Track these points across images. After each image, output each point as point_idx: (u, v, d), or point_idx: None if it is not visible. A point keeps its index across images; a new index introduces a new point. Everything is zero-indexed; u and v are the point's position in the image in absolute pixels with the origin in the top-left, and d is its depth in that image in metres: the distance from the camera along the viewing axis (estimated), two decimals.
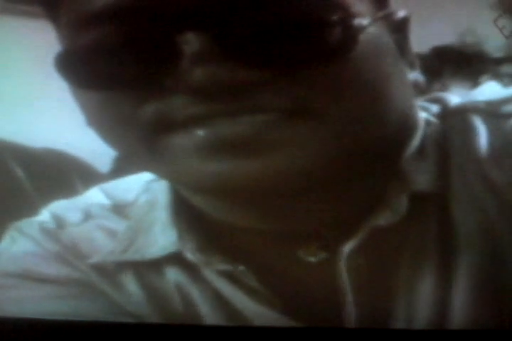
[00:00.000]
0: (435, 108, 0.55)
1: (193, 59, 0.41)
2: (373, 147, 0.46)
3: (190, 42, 0.41)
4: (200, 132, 0.42)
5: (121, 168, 1.34)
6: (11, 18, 1.54)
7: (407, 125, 0.50)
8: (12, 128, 1.20)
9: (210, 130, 0.42)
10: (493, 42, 1.48)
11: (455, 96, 0.57)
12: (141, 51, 0.42)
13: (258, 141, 0.42)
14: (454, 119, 0.53)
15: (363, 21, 0.44)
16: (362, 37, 0.44)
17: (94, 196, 0.62)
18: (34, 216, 0.64)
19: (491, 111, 0.53)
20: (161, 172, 0.48)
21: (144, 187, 0.60)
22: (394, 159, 0.50)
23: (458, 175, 0.50)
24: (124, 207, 0.59)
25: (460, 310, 0.49)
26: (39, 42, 1.48)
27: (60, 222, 0.59)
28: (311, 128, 0.42)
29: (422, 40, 0.55)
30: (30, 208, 1.15)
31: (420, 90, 0.53)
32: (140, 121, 0.44)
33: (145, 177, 0.60)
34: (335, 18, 0.42)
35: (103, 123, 0.47)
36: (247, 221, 0.50)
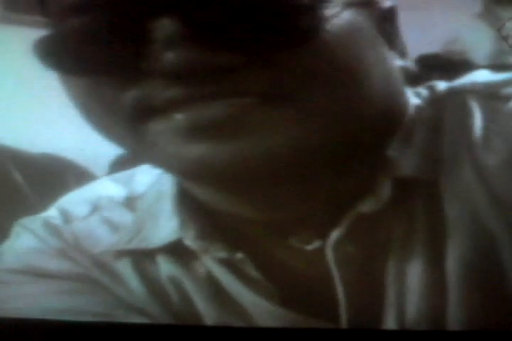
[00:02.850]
0: (426, 93, 0.54)
1: (165, 43, 0.41)
2: (354, 133, 0.46)
3: (163, 26, 0.41)
4: (179, 116, 0.42)
5: (118, 172, 1.35)
6: (11, 26, 1.55)
7: (393, 111, 0.50)
8: (10, 133, 1.21)
9: (188, 114, 0.42)
10: (479, 51, 1.50)
11: (443, 83, 0.55)
12: (118, 37, 0.42)
13: (234, 125, 0.41)
14: (448, 103, 0.52)
15: (334, 6, 0.43)
16: (335, 22, 0.43)
17: (106, 186, 0.61)
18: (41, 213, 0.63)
19: (490, 93, 0.52)
20: (151, 160, 0.48)
21: (155, 178, 0.58)
22: (380, 145, 0.49)
23: (448, 160, 0.49)
24: (134, 199, 0.58)
25: (452, 300, 0.48)
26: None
27: (66, 217, 0.59)
28: (286, 111, 0.42)
29: (409, 48, 0.54)
30: (28, 211, 1.16)
31: (411, 78, 0.52)
32: (122, 107, 0.44)
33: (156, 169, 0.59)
34: (308, 1, 0.42)
35: (89, 110, 0.46)
36: (237, 208, 0.50)
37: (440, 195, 0.49)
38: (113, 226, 0.57)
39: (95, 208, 0.58)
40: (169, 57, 0.41)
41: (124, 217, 0.57)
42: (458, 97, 0.52)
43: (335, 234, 0.49)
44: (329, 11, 0.43)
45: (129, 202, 0.58)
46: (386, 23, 0.49)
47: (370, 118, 0.47)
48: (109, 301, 0.55)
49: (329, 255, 0.49)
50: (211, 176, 0.44)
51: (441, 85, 0.54)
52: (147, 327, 0.54)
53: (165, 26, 0.41)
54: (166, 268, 0.54)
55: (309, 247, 0.50)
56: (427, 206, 0.49)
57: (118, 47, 0.43)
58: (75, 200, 0.61)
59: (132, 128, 0.44)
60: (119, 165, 1.32)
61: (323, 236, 0.49)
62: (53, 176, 1.18)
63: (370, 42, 0.47)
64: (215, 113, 0.41)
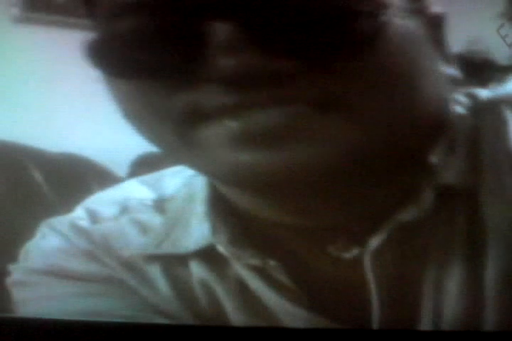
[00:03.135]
0: (467, 102, 0.53)
1: (223, 48, 0.40)
2: (404, 141, 0.45)
3: (221, 30, 0.40)
4: (232, 123, 0.41)
5: (138, 171, 1.36)
6: (26, 26, 1.56)
7: (439, 119, 0.49)
8: (30, 132, 1.22)
9: (242, 121, 0.41)
10: (502, 51, 1.49)
11: (487, 91, 0.55)
12: (171, 40, 0.42)
13: (288, 132, 0.41)
14: (487, 112, 0.51)
15: (395, 13, 0.43)
16: (394, 29, 0.42)
17: (134, 189, 0.60)
18: (64, 214, 0.62)
19: None
20: (193, 164, 0.47)
21: (184, 181, 0.57)
22: (424, 153, 0.49)
23: (489, 169, 0.49)
24: (164, 201, 0.57)
25: (490, 307, 0.47)
26: (55, 50, 1.50)
27: (94, 217, 0.58)
28: (341, 120, 0.42)
29: None
30: (48, 210, 1.17)
31: (457, 85, 0.51)
32: (172, 111, 0.43)
33: (188, 171, 0.56)
34: (367, 9, 0.41)
35: (136, 114, 0.46)
36: (278, 215, 0.50)
37: (480, 203, 0.48)
38: (142, 228, 0.56)
39: (124, 209, 0.58)
40: (227, 62, 0.40)
41: (154, 220, 0.56)
42: (496, 107, 0.51)
43: (374, 242, 0.48)
44: (388, 18, 0.42)
45: (158, 205, 0.57)
46: (435, 29, 0.49)
47: (419, 126, 0.46)
48: (135, 304, 0.54)
49: (367, 263, 0.48)
50: (259, 183, 0.44)
51: (482, 94, 0.53)
52: (163, 327, 0.53)
53: (224, 30, 0.40)
54: (197, 272, 0.53)
55: (347, 255, 0.50)
56: (467, 214, 0.49)
57: (171, 50, 0.42)
58: (102, 201, 0.60)
59: (180, 132, 0.43)
60: (139, 165, 1.32)
61: (362, 244, 0.48)
62: (73, 176, 1.19)
63: (423, 50, 0.46)
64: (269, 120, 0.41)
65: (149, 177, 0.61)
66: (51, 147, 1.19)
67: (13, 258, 0.59)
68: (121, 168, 1.25)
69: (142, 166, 1.26)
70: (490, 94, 0.53)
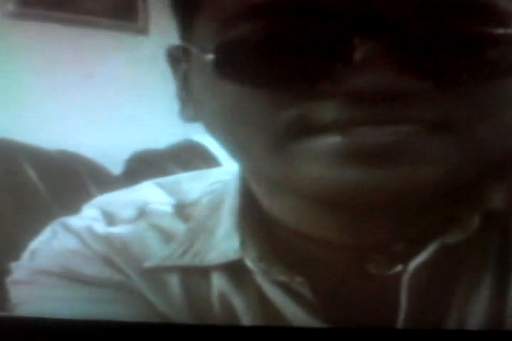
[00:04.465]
0: None
1: (363, 64, 0.40)
2: (497, 163, 0.47)
3: (366, 46, 0.40)
4: (339, 138, 0.41)
5: (133, 169, 1.35)
6: (22, 23, 1.55)
7: None
8: (25, 129, 1.21)
9: (350, 137, 0.41)
10: None
11: None
12: (306, 50, 0.41)
13: (399, 151, 0.41)
14: None
15: None
16: None
17: (152, 192, 0.59)
18: (67, 215, 0.60)
19: None
20: (278, 174, 0.45)
21: (208, 188, 0.56)
22: (482, 177, 0.49)
23: None
24: (185, 207, 0.56)
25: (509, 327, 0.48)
26: (50, 46, 1.49)
27: (110, 219, 0.56)
28: (454, 143, 0.42)
29: None
30: (43, 209, 1.16)
31: None
32: (277, 122, 0.43)
33: (208, 177, 0.57)
34: (509, 36, 0.42)
35: (231, 118, 0.45)
36: (324, 231, 0.49)
37: (511, 229, 0.49)
38: (163, 235, 0.54)
39: (142, 213, 0.56)
40: (363, 79, 0.40)
41: (175, 226, 0.54)
42: None
43: (415, 263, 0.48)
44: None
45: (179, 210, 0.55)
46: None
47: (506, 153, 0.47)
48: (144, 312, 0.53)
49: (404, 282, 0.48)
50: (351, 200, 0.43)
51: None
52: (164, 326, 0.53)
53: (364, 47, 0.40)
54: (217, 284, 0.52)
55: (386, 273, 0.50)
56: (502, 238, 0.49)
57: (300, 60, 0.41)
58: (118, 203, 0.58)
59: (277, 144, 0.43)
60: (134, 163, 1.32)
61: (403, 263, 0.49)
62: (68, 173, 1.18)
63: None
64: (379, 138, 0.41)
65: (166, 180, 0.59)
66: (46, 144, 1.18)
67: (6, 256, 0.58)
68: (116, 165, 1.24)
69: (137, 163, 1.26)
70: None
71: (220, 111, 0.45)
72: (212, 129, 0.47)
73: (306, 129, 0.42)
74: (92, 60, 1.40)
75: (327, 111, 0.41)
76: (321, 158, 0.42)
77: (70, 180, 1.16)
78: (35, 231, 0.59)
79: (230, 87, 0.44)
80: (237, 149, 0.47)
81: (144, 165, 1.24)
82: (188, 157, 1.18)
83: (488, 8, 0.41)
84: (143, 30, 1.54)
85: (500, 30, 0.42)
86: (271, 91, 0.42)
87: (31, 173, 1.14)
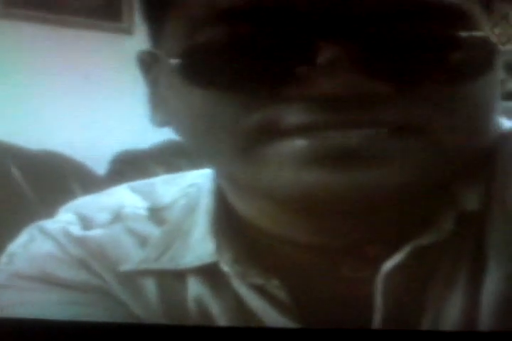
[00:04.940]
0: None
1: (327, 68, 0.40)
2: (458, 167, 0.47)
3: (330, 49, 0.40)
4: (305, 142, 0.42)
5: (117, 169, 1.35)
6: (9, 23, 1.55)
7: (488, 148, 0.50)
8: (9, 129, 1.21)
9: (316, 140, 0.41)
10: None
11: (507, 121, 0.56)
12: (271, 54, 0.42)
13: (364, 154, 0.41)
14: (504, 143, 0.52)
15: (499, 44, 0.44)
16: (496, 60, 0.44)
17: (126, 196, 0.59)
18: (52, 216, 0.59)
19: None
20: (246, 177, 0.46)
21: (182, 191, 0.56)
22: (453, 179, 0.49)
23: (498, 199, 0.50)
24: (159, 211, 0.56)
25: (482, 328, 0.49)
26: (36, 45, 1.49)
27: (86, 223, 0.56)
28: (419, 144, 0.42)
29: None
30: (27, 208, 1.16)
31: None
32: (244, 126, 0.43)
33: (182, 180, 0.57)
34: (473, 39, 0.42)
35: (199, 122, 0.45)
36: (298, 233, 0.50)
37: (485, 232, 0.49)
38: (138, 238, 0.54)
39: (117, 217, 0.56)
40: (327, 82, 0.40)
41: (150, 230, 0.54)
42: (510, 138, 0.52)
43: (389, 264, 0.48)
44: (495, 49, 0.44)
45: (154, 214, 0.55)
46: (498, 58, 0.50)
47: (476, 154, 0.48)
48: (119, 315, 0.53)
49: (378, 284, 0.48)
50: (317, 203, 0.44)
51: (505, 124, 0.54)
52: (149, 327, 0.53)
53: (329, 50, 0.40)
54: (194, 287, 0.52)
55: (359, 275, 0.50)
56: (475, 240, 0.50)
57: (265, 64, 0.42)
58: (93, 207, 0.58)
59: (245, 147, 0.43)
60: (118, 163, 1.32)
61: (376, 265, 0.49)
62: (53, 172, 1.18)
63: (495, 79, 0.47)
64: (345, 141, 0.41)
65: (139, 184, 0.60)
66: (30, 144, 1.18)
67: None
68: (100, 165, 1.24)
69: (121, 163, 1.26)
70: (509, 123, 0.54)
71: (189, 116, 0.45)
72: (183, 134, 0.47)
73: (273, 133, 0.42)
74: (79, 60, 1.40)
75: (293, 114, 0.41)
76: (288, 162, 0.42)
77: (55, 180, 1.16)
78: (19, 231, 0.59)
79: (196, 92, 0.44)
80: (207, 154, 0.47)
81: (128, 166, 1.23)
82: (172, 157, 1.18)
83: (451, 11, 0.42)
84: (128, 30, 1.54)
85: (464, 33, 0.42)
86: (237, 95, 0.42)
87: (16, 173, 1.14)
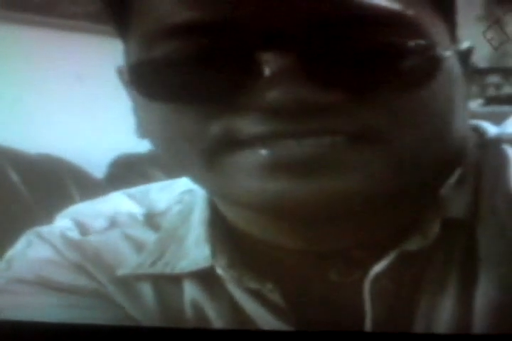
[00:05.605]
0: (475, 136, 0.55)
1: (273, 78, 0.40)
2: (426, 174, 0.47)
3: (273, 61, 0.41)
4: (264, 151, 0.42)
5: (116, 173, 1.35)
6: (8, 26, 1.55)
7: (459, 154, 0.51)
8: (7, 133, 1.21)
9: (274, 150, 0.42)
10: (478, 53, 1.50)
11: (492, 127, 0.56)
12: (220, 67, 0.42)
13: (321, 163, 0.42)
14: (491, 150, 0.53)
15: (444, 51, 0.44)
16: (440, 67, 0.44)
17: (122, 202, 0.60)
18: (50, 221, 0.60)
19: None
20: (215, 187, 0.47)
21: (177, 197, 0.57)
22: (437, 185, 0.50)
23: (487, 206, 0.50)
24: (154, 217, 0.57)
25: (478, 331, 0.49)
26: (31, 48, 1.49)
27: (83, 229, 0.57)
28: (375, 152, 0.43)
29: None
30: (25, 212, 1.16)
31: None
32: (205, 136, 0.43)
33: (177, 187, 0.58)
34: (419, 46, 0.43)
35: (164, 135, 0.46)
36: (285, 239, 0.50)
37: (476, 238, 0.50)
38: (134, 244, 0.55)
39: (113, 223, 0.57)
40: (275, 93, 0.40)
41: (145, 235, 0.55)
42: (500, 146, 0.52)
43: (376, 269, 0.49)
44: (439, 56, 0.44)
45: (149, 220, 0.57)
46: (465, 63, 0.50)
47: (442, 161, 0.48)
48: (118, 317, 0.54)
49: (366, 288, 0.49)
50: (284, 211, 0.44)
51: (490, 130, 0.54)
52: (149, 330, 0.53)
53: (274, 60, 0.40)
54: (190, 292, 0.53)
55: (347, 280, 0.50)
56: (465, 246, 0.50)
57: (217, 76, 0.42)
58: (89, 213, 0.59)
59: (208, 157, 0.44)
60: (116, 166, 1.32)
61: (363, 269, 0.49)
62: (51, 176, 1.18)
63: (459, 85, 0.47)
64: (303, 150, 0.42)
65: (135, 190, 0.61)
66: (28, 148, 1.18)
67: None
68: (98, 169, 1.24)
69: (119, 167, 1.26)
70: (497, 131, 0.54)
71: (155, 129, 0.46)
72: (155, 146, 0.48)
73: (234, 143, 0.43)
74: (76, 63, 1.41)
75: (249, 124, 0.42)
76: (249, 171, 0.43)
77: (52, 184, 1.16)
78: (17, 235, 0.59)
79: (154, 106, 0.44)
80: (178, 165, 0.47)
81: (126, 170, 1.24)
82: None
83: (398, 19, 0.42)
84: None
85: (411, 41, 0.42)
86: (193, 107, 0.43)
87: (14, 177, 1.14)
